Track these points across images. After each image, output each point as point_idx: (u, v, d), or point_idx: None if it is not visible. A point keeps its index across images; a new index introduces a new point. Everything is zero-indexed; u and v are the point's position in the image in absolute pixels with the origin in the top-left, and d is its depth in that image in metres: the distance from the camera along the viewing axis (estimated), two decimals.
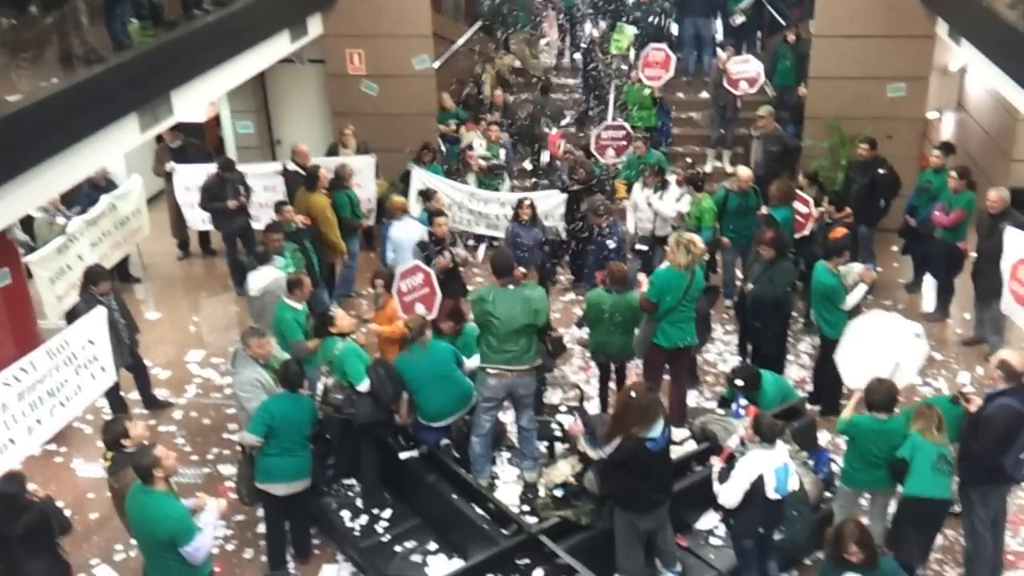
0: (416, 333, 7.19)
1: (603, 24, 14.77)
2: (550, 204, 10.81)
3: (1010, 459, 6.07)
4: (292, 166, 11.10)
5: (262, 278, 8.57)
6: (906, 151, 11.89)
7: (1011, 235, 7.99)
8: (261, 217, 10.81)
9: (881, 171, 10.45)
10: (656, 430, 5.90)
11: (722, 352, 9.84)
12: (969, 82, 13.63)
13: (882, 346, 7.62)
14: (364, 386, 6.93)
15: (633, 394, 5.93)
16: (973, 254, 9.65)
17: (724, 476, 5.95)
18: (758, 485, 5.82)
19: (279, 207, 9.77)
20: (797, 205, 9.88)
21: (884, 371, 7.19)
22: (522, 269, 9.29)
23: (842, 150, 11.73)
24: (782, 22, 14.22)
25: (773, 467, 5.84)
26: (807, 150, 12.25)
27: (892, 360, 7.49)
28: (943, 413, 6.87)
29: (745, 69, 12.50)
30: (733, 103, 13.03)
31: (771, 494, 5.83)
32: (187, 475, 7.89)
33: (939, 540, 7.07)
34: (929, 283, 10.79)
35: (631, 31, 13.95)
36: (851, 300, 8.18)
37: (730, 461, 6.01)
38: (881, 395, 6.43)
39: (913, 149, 12.22)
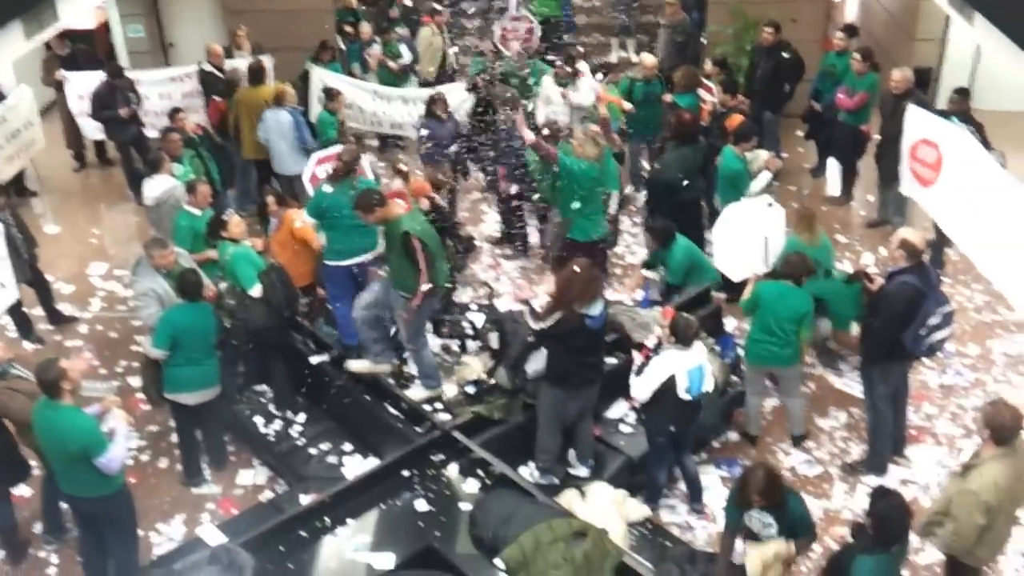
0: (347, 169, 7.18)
1: None
2: (457, 99, 10.59)
3: (910, 336, 6.23)
4: (208, 67, 10.75)
5: (156, 187, 8.30)
6: (810, 34, 11.89)
7: (912, 114, 8.07)
8: (157, 125, 10.40)
9: (785, 55, 10.45)
10: (596, 308, 5.99)
11: (630, 244, 9.89)
12: None
13: (747, 230, 7.79)
14: (255, 291, 6.84)
15: (577, 269, 5.98)
16: (876, 136, 9.78)
17: (641, 370, 6.04)
18: (669, 385, 5.89)
19: (173, 114, 9.48)
20: (702, 93, 9.85)
21: (758, 250, 7.56)
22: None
23: (746, 35, 11.67)
24: None
25: (687, 368, 5.91)
26: (712, 36, 12.17)
27: (761, 237, 7.70)
28: (838, 293, 7.13)
29: None
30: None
31: (683, 395, 5.91)
32: (97, 389, 7.71)
33: (843, 419, 7.38)
34: (833, 167, 10.95)
35: None
36: (755, 186, 8.26)
37: (650, 358, 6.08)
38: (794, 267, 6.59)
39: (816, 32, 12.23)
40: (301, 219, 7.61)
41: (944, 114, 8.62)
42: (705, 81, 9.99)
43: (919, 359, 6.76)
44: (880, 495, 4.82)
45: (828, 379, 7.87)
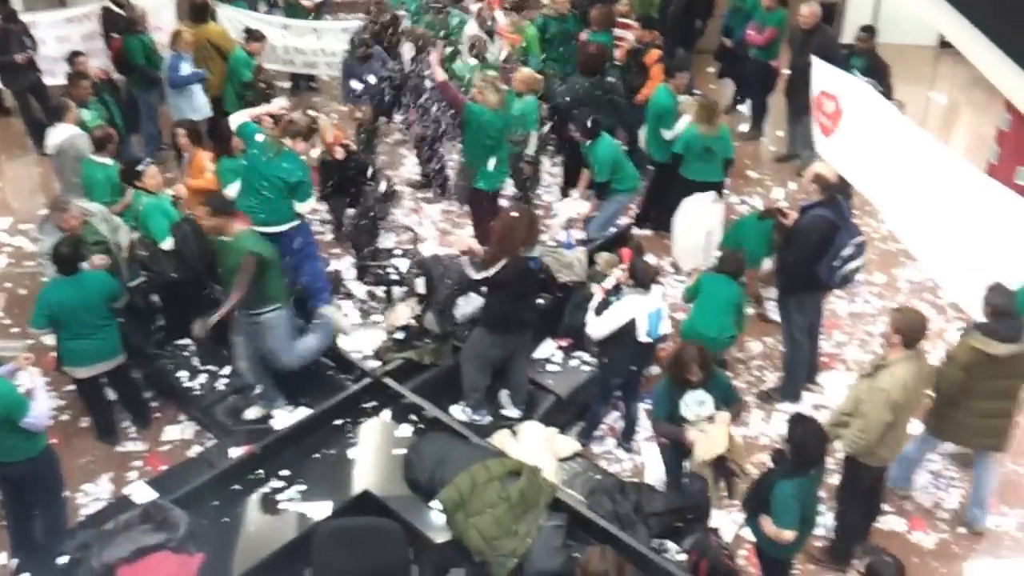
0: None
1: None
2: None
3: (824, 267, 6.44)
4: (108, 4, 10.28)
5: (57, 135, 7.99)
6: None
7: (816, 67, 8.28)
8: (56, 71, 10.00)
9: None
10: (536, 250, 6.09)
11: (549, 185, 9.97)
12: None
13: (693, 225, 8.27)
14: (167, 244, 6.69)
15: (516, 213, 6.03)
16: (786, 71, 9.98)
17: (600, 309, 6.12)
18: (629, 328, 6.00)
19: (73, 58, 9.09)
20: (620, 32, 9.87)
21: (701, 243, 8.16)
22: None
23: None
24: None
25: (647, 311, 6.02)
26: None
27: (703, 231, 8.19)
28: (752, 231, 7.35)
29: None
30: None
31: (642, 337, 6.03)
32: (9, 348, 7.46)
33: (759, 348, 7.65)
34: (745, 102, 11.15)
35: None
36: (677, 128, 8.38)
37: (607, 297, 6.18)
38: (731, 263, 6.80)
39: None
40: (209, 169, 7.43)
41: (851, 50, 8.86)
42: (624, 20, 10.00)
43: (832, 290, 7.00)
44: (797, 421, 5.05)
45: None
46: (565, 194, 9.14)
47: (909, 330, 5.23)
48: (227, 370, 6.98)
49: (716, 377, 5.54)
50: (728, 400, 5.60)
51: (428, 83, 8.91)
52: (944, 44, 11.30)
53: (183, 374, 6.99)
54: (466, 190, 7.88)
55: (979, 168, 6.85)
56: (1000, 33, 5.46)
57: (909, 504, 6.25)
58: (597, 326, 6.09)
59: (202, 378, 6.96)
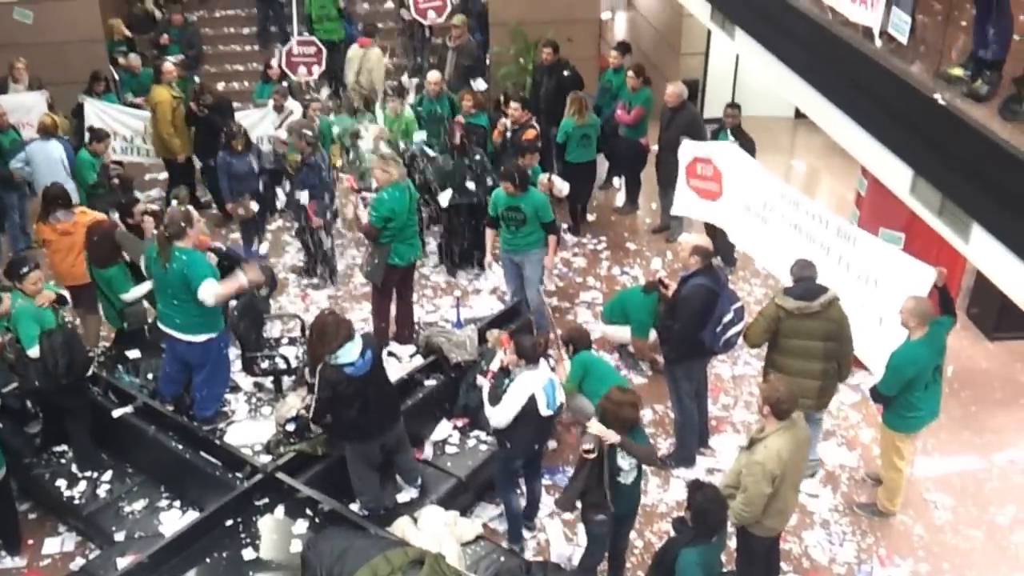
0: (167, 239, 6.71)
1: None
2: (249, 122, 10.30)
3: (708, 333, 6.64)
4: None
5: None
6: (585, 52, 12.48)
7: (685, 144, 8.79)
8: None
9: (565, 72, 10.92)
10: (350, 353, 5.74)
11: (433, 263, 10.04)
12: None
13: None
14: (34, 352, 6.38)
15: (315, 321, 5.84)
16: (655, 147, 10.39)
17: (495, 398, 5.94)
18: (531, 405, 5.88)
19: None
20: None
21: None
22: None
23: (527, 55, 12.11)
24: None
25: (542, 385, 5.94)
26: (495, 56, 12.53)
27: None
28: (638, 303, 7.57)
29: None
30: (422, 31, 13.02)
31: (544, 411, 5.93)
32: None
33: (650, 415, 7.78)
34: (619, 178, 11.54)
35: None
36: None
37: (497, 382, 6.01)
38: (579, 335, 7.05)
39: (591, 50, 12.86)
40: None
41: (720, 125, 9.35)
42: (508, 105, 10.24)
43: (716, 354, 7.21)
44: (696, 488, 5.15)
45: (632, 380, 8.27)
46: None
47: (778, 400, 5.39)
48: (107, 475, 6.67)
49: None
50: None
51: (325, 175, 8.95)
52: (800, 115, 11.97)
53: (61, 483, 6.63)
54: (381, 268, 7.84)
55: None
56: (851, 104, 5.83)
57: (806, 561, 6.41)
58: (500, 414, 5.90)
59: (81, 486, 6.62)
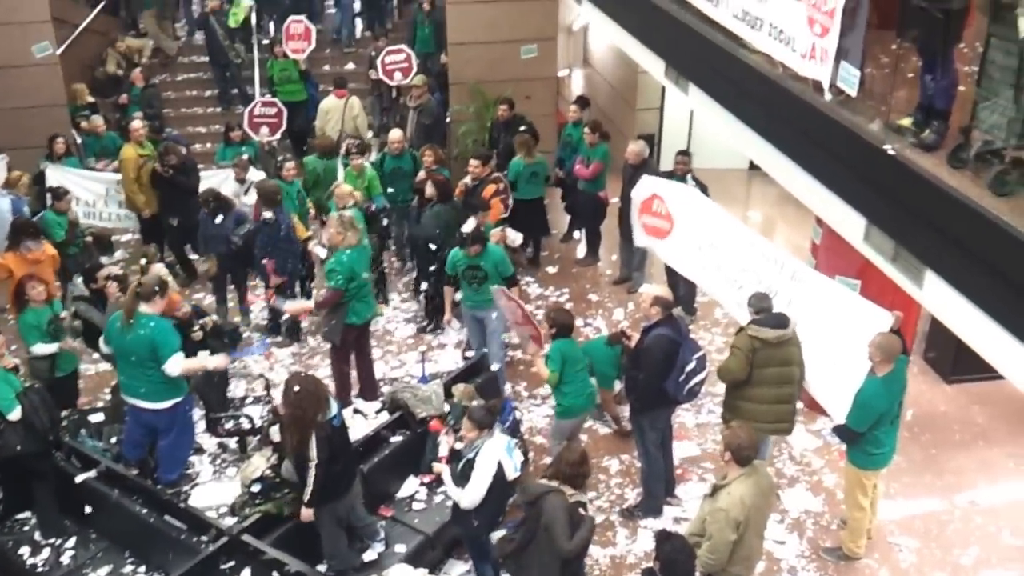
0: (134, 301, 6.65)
1: None
2: (212, 183, 10.31)
3: (671, 383, 6.72)
4: None
5: None
6: (544, 109, 12.68)
7: (644, 180, 8.93)
8: None
9: (522, 128, 11.09)
10: (334, 407, 5.93)
11: (398, 319, 10.06)
12: (592, 40, 14.77)
13: None
14: (14, 414, 6.30)
15: (297, 387, 5.80)
16: (615, 200, 10.55)
17: (460, 479, 5.84)
18: (499, 473, 5.81)
19: None
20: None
21: None
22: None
23: (487, 113, 12.28)
24: None
25: (504, 449, 5.88)
26: (455, 115, 12.70)
27: None
28: (602, 355, 7.63)
29: (397, 59, 12.64)
30: (389, 92, 13.20)
31: (512, 475, 5.87)
32: None
33: (616, 466, 7.80)
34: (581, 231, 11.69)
35: (246, 2, 13.66)
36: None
37: (456, 461, 5.91)
38: (563, 319, 7.06)
39: (550, 106, 13.06)
40: None
41: (672, 174, 9.53)
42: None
43: (680, 403, 7.27)
44: (664, 538, 5.17)
45: (599, 431, 8.31)
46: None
47: (739, 447, 5.46)
48: (71, 542, 6.54)
49: None
50: None
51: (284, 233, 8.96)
52: (754, 166, 12.23)
53: (24, 550, 6.52)
54: (338, 328, 7.85)
55: None
56: (804, 156, 5.99)
57: None
58: (471, 494, 5.75)
59: (45, 553, 6.50)
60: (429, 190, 9.33)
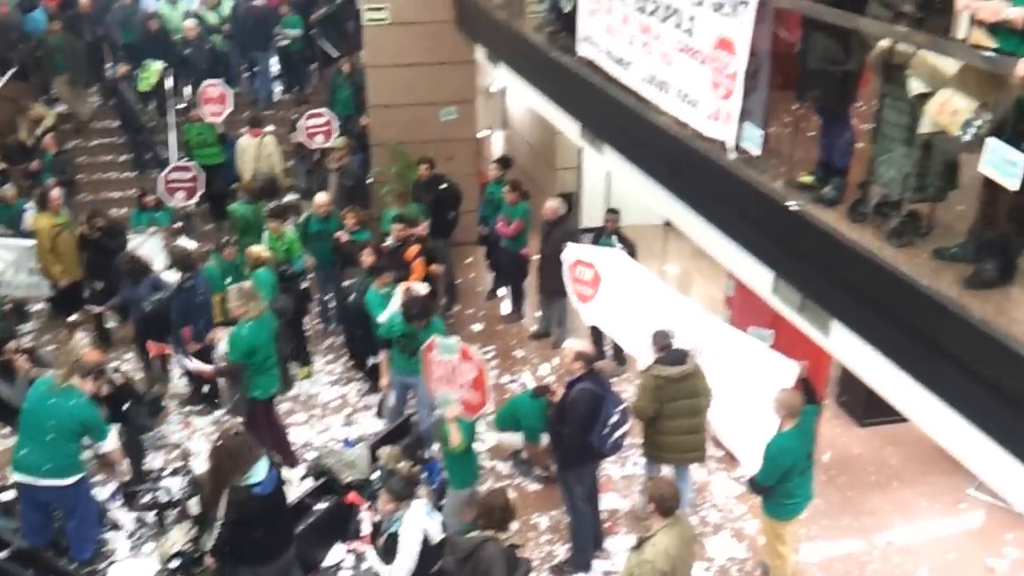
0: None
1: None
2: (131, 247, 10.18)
3: (596, 436, 6.80)
4: None
5: None
6: (465, 169, 12.80)
7: (569, 247, 9.14)
8: None
9: (443, 187, 11.20)
10: (259, 473, 5.63)
11: (322, 382, 9.99)
12: (511, 101, 15.05)
13: None
14: None
15: (220, 442, 5.66)
16: (536, 256, 10.70)
17: (387, 556, 5.75)
18: (426, 541, 5.78)
19: None
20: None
21: None
22: None
23: (409, 173, 12.37)
24: (333, 54, 14.65)
25: (426, 514, 5.85)
26: (377, 176, 12.78)
27: None
28: (528, 409, 7.69)
29: (318, 123, 12.68)
30: (311, 155, 13.24)
31: (437, 538, 5.85)
32: None
33: (546, 522, 7.82)
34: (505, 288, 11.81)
35: (156, 66, 13.63)
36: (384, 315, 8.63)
37: (383, 540, 5.85)
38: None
39: (471, 167, 13.20)
40: None
41: (600, 231, 9.74)
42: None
43: (606, 456, 7.34)
44: None
45: (526, 487, 8.33)
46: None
47: (662, 498, 5.58)
48: None
49: None
50: None
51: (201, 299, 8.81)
52: (669, 223, 12.55)
53: None
54: (244, 402, 7.73)
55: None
56: (713, 213, 6.19)
57: None
58: (401, 568, 5.68)
59: None
60: (367, 259, 9.23)
